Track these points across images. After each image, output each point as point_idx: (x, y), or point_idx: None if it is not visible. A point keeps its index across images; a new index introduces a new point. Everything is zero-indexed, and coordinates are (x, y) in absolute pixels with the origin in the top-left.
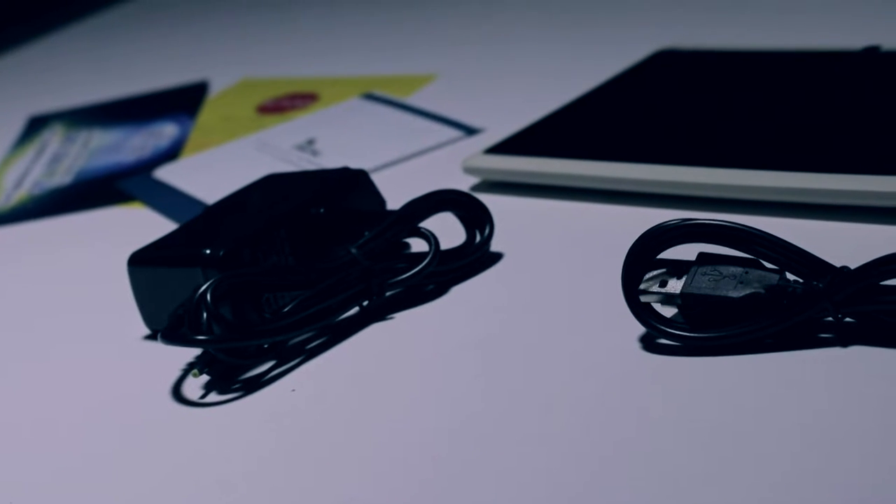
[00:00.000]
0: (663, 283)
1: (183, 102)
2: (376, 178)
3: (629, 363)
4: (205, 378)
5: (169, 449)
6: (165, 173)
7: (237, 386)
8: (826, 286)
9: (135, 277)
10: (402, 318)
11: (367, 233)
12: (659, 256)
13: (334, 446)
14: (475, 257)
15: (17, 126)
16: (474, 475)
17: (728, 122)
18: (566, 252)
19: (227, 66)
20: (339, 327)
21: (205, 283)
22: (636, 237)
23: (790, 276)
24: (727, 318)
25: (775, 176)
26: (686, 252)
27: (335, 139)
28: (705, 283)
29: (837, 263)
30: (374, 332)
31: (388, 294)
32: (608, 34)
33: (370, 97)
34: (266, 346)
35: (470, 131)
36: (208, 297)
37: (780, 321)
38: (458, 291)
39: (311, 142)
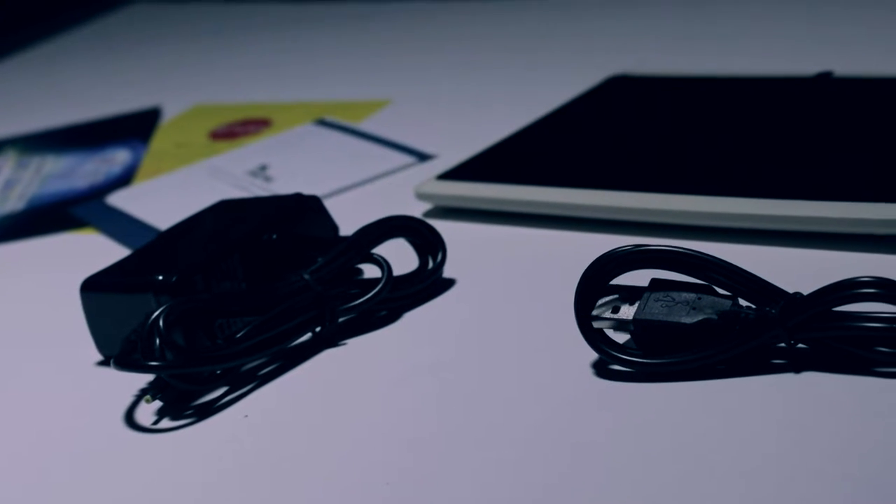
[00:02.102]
0: (616, 309)
1: (135, 128)
2: (329, 204)
3: (581, 389)
4: (158, 404)
5: (122, 475)
6: (118, 199)
7: (190, 412)
8: (779, 312)
9: (87, 303)
10: (355, 344)
11: (319, 259)
12: (612, 282)
13: (287, 472)
14: (428, 283)
15: None
16: (427, 500)
17: (681, 148)
18: (519, 278)
19: (180, 92)
20: (291, 353)
21: (157, 308)
22: (589, 263)
23: (743, 303)
24: (680, 344)
25: (728, 202)
26: (639, 278)
27: (288, 165)
28: (658, 310)
29: (790, 289)
30: (326, 358)
31: (340, 320)
32: (561, 60)
33: (323, 123)
34: (219, 371)
35: (422, 157)
36: (161, 322)
37: (733, 347)
38: (410, 317)
39: (263, 168)
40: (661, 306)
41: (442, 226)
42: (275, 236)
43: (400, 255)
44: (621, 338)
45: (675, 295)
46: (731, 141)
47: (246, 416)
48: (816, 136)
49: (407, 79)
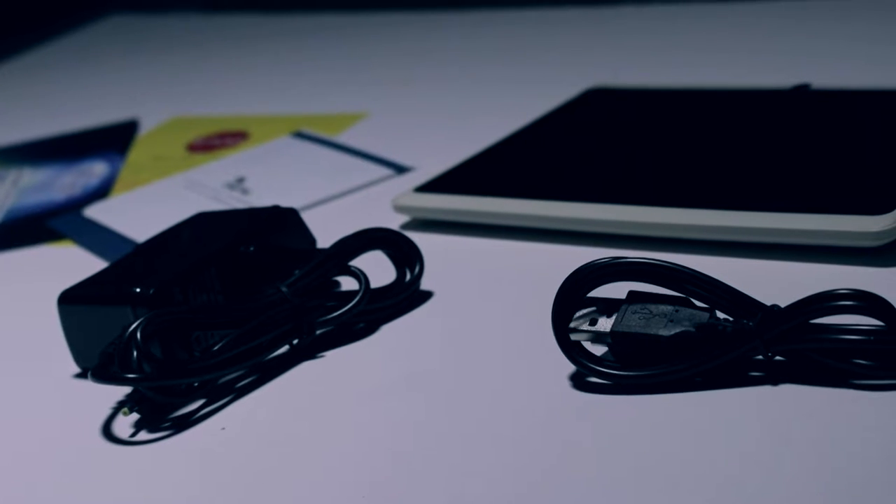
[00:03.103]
0: (593, 322)
1: (113, 141)
2: (306, 217)
3: (559, 401)
4: (135, 416)
5: (99, 487)
6: (96, 212)
7: (167, 424)
8: (756, 325)
9: (65, 316)
10: (332, 357)
11: (297, 271)
12: (589, 295)
13: (264, 485)
14: (405, 296)
15: None
16: None
17: (658, 160)
18: (496, 290)
19: (157, 104)
20: (268, 366)
21: (135, 321)
22: (566, 275)
23: (720, 315)
24: (657, 356)
25: (705, 214)
26: (616, 290)
27: (265, 177)
28: (635, 322)
29: (768, 302)
30: (303, 371)
31: (317, 332)
32: (538, 73)
33: (300, 135)
34: (196, 384)
35: (400, 169)
36: (138, 335)
37: (711, 360)
38: (388, 330)
39: (241, 180)
40: (639, 319)
41: (419, 238)
42: (252, 249)
43: (377, 268)
44: (599, 350)
45: (652, 307)
46: (709, 153)
47: (223, 428)
48: (794, 149)
49: (384, 91)
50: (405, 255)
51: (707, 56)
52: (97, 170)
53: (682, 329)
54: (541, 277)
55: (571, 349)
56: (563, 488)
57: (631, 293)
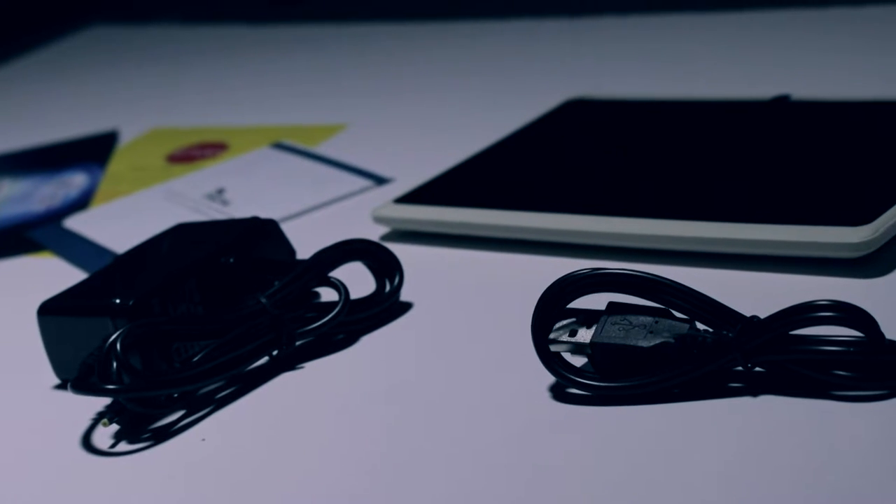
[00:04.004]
0: (573, 333)
1: (93, 152)
2: (286, 228)
3: (539, 412)
4: (115, 427)
5: (79, 498)
6: (75, 223)
7: (147, 435)
8: (736, 336)
9: (45, 327)
10: (312, 368)
11: (276, 282)
12: (569, 306)
13: (244, 495)
14: (385, 307)
15: None
16: None
17: (638, 171)
18: (476, 301)
19: (137, 115)
20: (248, 376)
21: (114, 332)
22: (546, 286)
23: (700, 326)
24: (637, 367)
25: (685, 225)
26: (596, 301)
27: (245, 188)
28: (615, 333)
29: (747, 313)
30: (283, 382)
31: (297, 343)
32: (518, 84)
33: (280, 146)
34: (176, 395)
35: (379, 181)
36: (118, 346)
37: (690, 371)
38: (367, 341)
39: (220, 191)
40: (619, 330)
41: (399, 249)
42: (231, 260)
43: (357, 279)
44: (578, 361)
45: (632, 318)
46: (689, 164)
47: (203, 439)
48: (773, 160)
49: (364, 102)
50: (385, 267)
51: (687, 67)
52: (77, 181)
53: (662, 340)
54: (521, 288)
55: (551, 360)
56: (543, 500)
57: (611, 304)
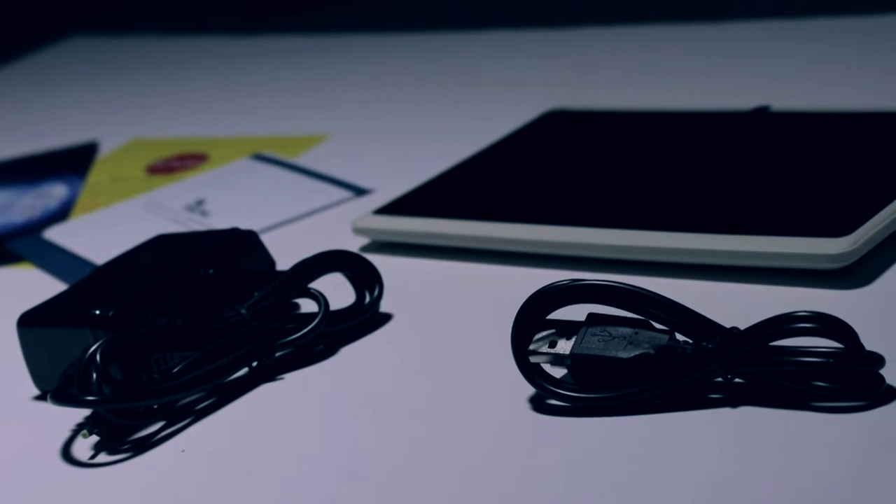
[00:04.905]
0: (553, 344)
1: (72, 163)
2: (266, 239)
3: (519, 424)
4: (95, 438)
5: None
6: (55, 234)
7: (127, 446)
8: (716, 347)
9: (24, 338)
10: (292, 379)
11: (256, 293)
12: (549, 317)
13: None
14: (365, 318)
15: None
16: None
17: (618, 182)
18: (456, 312)
19: (117, 126)
20: (228, 388)
21: (94, 343)
22: (526, 297)
23: (680, 337)
24: (617, 378)
25: (665, 237)
26: (576, 312)
27: (225, 199)
28: (595, 344)
29: (727, 324)
30: (263, 393)
31: (277, 354)
32: (497, 95)
33: (259, 157)
34: (156, 406)
35: (359, 192)
36: (98, 357)
37: (670, 382)
38: (347, 352)
39: (200, 202)
40: (599, 341)
41: (379, 260)
42: (211, 271)
43: (337, 290)
44: (558, 372)
45: (612, 329)
46: (669, 176)
47: (183, 450)
48: (753, 171)
49: (344, 114)
50: (364, 278)
51: (667, 78)
52: (56, 192)
53: (642, 351)
54: (500, 300)
55: (531, 371)
56: None
57: (590, 315)
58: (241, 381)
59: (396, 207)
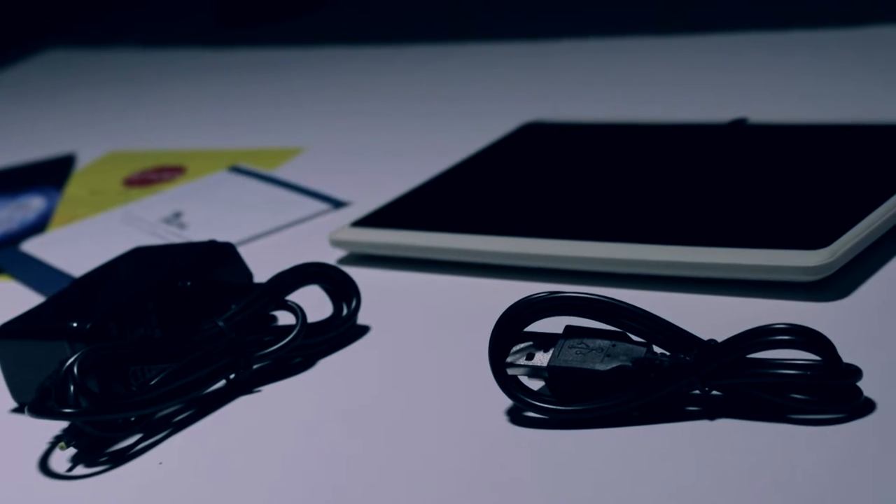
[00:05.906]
0: (530, 356)
1: (50, 175)
2: (243, 251)
3: (496, 436)
4: (72, 451)
5: None
6: (32, 246)
7: (104, 458)
8: (693, 359)
9: (1, 350)
10: (269, 391)
11: (233, 305)
12: (526, 329)
13: None
14: (342, 330)
15: None
16: None
17: (595, 195)
18: (433, 325)
19: (94, 138)
20: (206, 400)
21: (72, 356)
22: (503, 310)
23: (657, 349)
24: (594, 391)
25: (642, 249)
26: (553, 325)
27: (202, 212)
28: (572, 356)
29: (705, 336)
30: (241, 405)
31: (254, 367)
32: (474, 107)
33: (237, 170)
34: (133, 418)
35: (337, 204)
36: (75, 369)
37: (648, 394)
38: (325, 364)
39: (178, 215)
40: (576, 353)
41: (356, 272)
42: (189, 283)
43: (314, 302)
44: (536, 384)
45: (589, 342)
46: (646, 188)
47: (160, 462)
48: (731, 183)
49: (321, 126)
50: (342, 290)
51: (644, 90)
52: (34, 204)
53: (619, 363)
54: (478, 312)
55: (508, 384)
56: None
57: (568, 328)
58: (219, 393)
59: (374, 220)
